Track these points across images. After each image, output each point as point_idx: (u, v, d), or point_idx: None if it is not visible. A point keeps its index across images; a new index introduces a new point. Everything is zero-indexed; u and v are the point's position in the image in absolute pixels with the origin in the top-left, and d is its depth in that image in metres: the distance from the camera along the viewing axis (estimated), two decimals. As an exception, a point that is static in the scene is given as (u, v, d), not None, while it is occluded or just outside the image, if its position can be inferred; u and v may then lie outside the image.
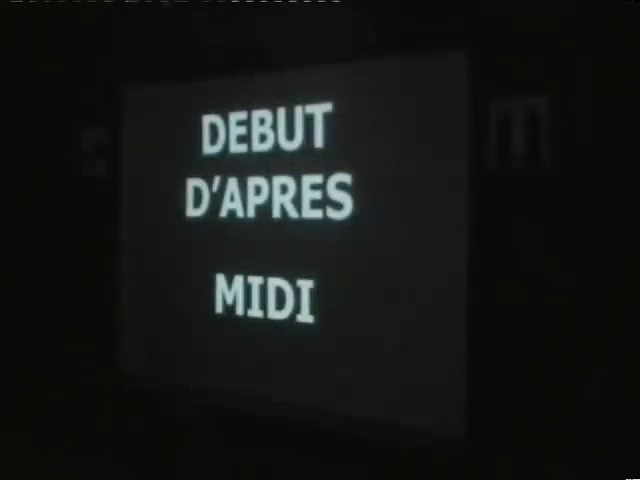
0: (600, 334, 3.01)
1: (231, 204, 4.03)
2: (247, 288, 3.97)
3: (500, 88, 3.23)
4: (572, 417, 3.04)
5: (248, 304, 3.97)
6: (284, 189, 3.83)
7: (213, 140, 4.10)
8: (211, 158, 4.10)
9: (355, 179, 3.60)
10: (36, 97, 4.81)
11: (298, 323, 3.78)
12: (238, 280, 4.00)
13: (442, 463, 3.23)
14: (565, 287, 3.09)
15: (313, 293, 3.73)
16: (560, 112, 3.10)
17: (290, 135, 3.81)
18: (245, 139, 3.97)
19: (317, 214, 3.71)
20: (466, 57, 3.29)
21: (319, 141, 3.71)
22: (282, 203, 3.84)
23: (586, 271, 3.05)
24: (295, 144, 3.79)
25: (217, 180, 4.08)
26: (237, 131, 4.01)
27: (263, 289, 3.91)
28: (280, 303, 3.84)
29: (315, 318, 3.73)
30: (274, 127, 3.86)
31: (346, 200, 3.62)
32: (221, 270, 4.07)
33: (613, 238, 3.00)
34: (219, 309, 4.08)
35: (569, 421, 3.05)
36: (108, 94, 4.54)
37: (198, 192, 4.16)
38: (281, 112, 3.83)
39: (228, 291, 4.04)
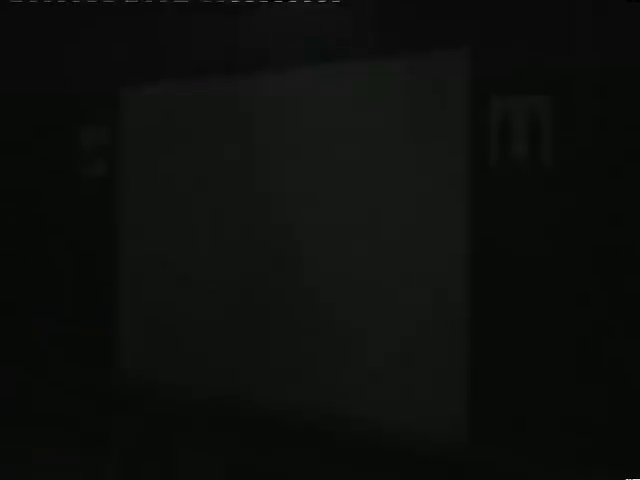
0: (601, 334, 3.00)
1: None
2: (246, 288, 3.97)
3: (500, 88, 3.23)
4: (572, 417, 3.04)
5: (247, 304, 3.96)
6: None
7: (211, 139, 4.11)
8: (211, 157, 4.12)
9: (354, 179, 3.60)
10: (36, 97, 4.81)
11: (297, 323, 3.78)
12: (237, 280, 4.00)
13: (443, 464, 3.22)
14: (566, 287, 3.09)
15: (312, 293, 3.73)
16: (560, 112, 3.10)
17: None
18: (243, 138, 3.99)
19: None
20: (466, 56, 3.29)
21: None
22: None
23: (586, 271, 3.04)
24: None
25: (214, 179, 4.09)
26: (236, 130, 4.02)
27: (262, 290, 3.91)
28: (280, 304, 3.84)
29: (314, 318, 3.73)
30: (272, 126, 3.87)
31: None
32: (219, 269, 4.07)
33: (613, 238, 2.99)
34: (218, 309, 4.07)
35: (569, 421, 3.05)
36: (108, 94, 4.55)
37: (196, 192, 4.17)
38: (280, 112, 3.84)
39: (227, 291, 4.04)
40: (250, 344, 3.96)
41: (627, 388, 2.94)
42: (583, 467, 2.95)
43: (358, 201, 3.59)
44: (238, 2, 3.98)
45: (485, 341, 3.23)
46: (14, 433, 3.86)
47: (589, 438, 2.99)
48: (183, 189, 4.24)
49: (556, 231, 3.12)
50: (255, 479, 3.24)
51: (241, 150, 4.02)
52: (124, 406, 4.07)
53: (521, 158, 3.18)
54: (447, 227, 3.34)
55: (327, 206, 3.69)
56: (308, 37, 3.80)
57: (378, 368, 3.52)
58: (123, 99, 4.52)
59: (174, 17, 4.22)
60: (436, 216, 3.37)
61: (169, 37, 4.31)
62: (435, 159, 3.38)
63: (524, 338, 3.17)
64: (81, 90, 4.71)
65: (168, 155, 4.31)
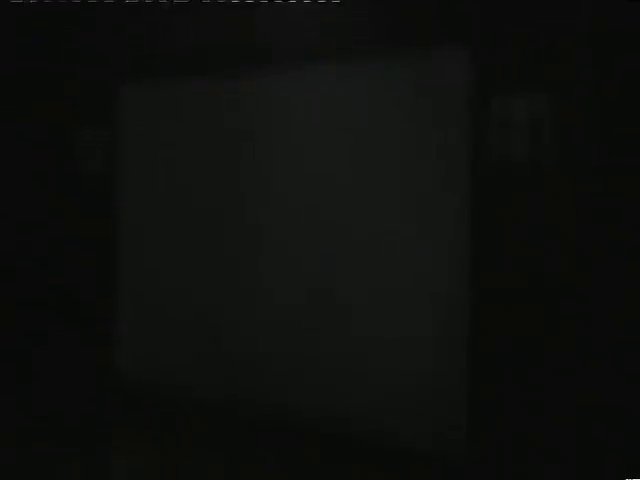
0: (601, 334, 3.01)
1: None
2: (246, 288, 3.97)
3: (500, 88, 3.23)
4: (572, 417, 3.04)
5: (247, 304, 3.97)
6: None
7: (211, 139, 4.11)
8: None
9: (354, 179, 3.60)
10: (36, 96, 4.81)
11: (298, 324, 3.78)
12: (236, 280, 4.00)
13: (442, 465, 3.23)
14: (566, 287, 3.09)
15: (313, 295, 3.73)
16: (560, 112, 3.10)
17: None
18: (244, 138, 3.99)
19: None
20: (466, 56, 3.29)
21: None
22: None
23: (587, 270, 3.05)
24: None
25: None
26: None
27: (262, 290, 3.91)
28: (279, 305, 3.84)
29: (314, 320, 3.73)
30: (272, 126, 3.88)
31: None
32: (220, 268, 4.07)
33: (613, 237, 3.00)
34: (218, 309, 4.08)
35: (569, 421, 3.05)
36: (108, 94, 4.55)
37: (196, 190, 4.17)
38: (280, 112, 3.84)
39: (227, 290, 4.04)
40: (250, 344, 3.96)
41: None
42: (582, 465, 2.95)
43: (357, 201, 3.60)
44: (239, 2, 3.98)
45: (485, 342, 3.24)
46: (14, 433, 3.86)
47: (589, 435, 3.00)
48: (183, 188, 4.24)
49: (556, 230, 3.13)
50: (255, 479, 3.24)
51: (241, 148, 4.03)
52: (124, 406, 4.08)
53: (521, 158, 3.19)
54: (447, 226, 3.34)
55: (326, 205, 3.69)
56: (308, 37, 3.80)
57: (377, 369, 3.52)
58: (123, 98, 4.52)
59: (174, 16, 4.23)
60: (436, 216, 3.37)
61: (169, 37, 4.31)
62: (435, 159, 3.38)
63: (524, 339, 3.17)
64: (81, 89, 4.71)
65: (168, 154, 4.31)
